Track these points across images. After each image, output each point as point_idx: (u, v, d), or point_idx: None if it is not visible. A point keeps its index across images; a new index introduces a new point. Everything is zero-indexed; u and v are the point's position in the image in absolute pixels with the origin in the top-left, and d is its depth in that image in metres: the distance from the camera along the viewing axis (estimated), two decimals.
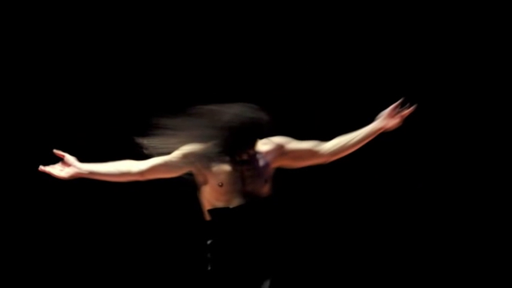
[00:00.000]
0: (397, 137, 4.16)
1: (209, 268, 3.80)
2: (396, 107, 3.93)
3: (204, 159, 3.74)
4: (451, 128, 5.94)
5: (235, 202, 3.75)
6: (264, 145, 3.82)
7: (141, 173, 3.79)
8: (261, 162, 3.79)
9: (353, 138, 3.91)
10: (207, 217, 3.82)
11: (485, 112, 5.95)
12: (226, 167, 3.75)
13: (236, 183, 3.74)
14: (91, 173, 3.79)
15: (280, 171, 3.90)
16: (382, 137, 3.99)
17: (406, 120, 3.92)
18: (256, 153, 3.78)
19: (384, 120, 3.92)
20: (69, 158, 3.80)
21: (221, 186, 3.74)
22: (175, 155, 3.77)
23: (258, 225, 3.78)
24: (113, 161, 3.82)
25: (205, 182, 3.79)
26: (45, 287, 5.95)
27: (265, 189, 3.81)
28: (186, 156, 3.77)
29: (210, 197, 3.79)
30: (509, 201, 5.91)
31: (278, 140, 3.87)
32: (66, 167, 3.79)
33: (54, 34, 5.94)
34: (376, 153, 5.61)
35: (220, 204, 3.76)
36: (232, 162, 3.74)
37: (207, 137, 3.74)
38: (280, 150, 3.84)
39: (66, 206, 5.95)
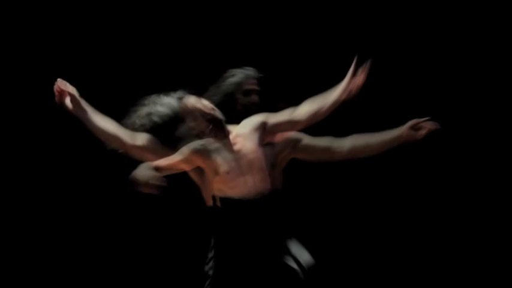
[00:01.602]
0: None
1: (209, 267, 3.78)
2: (420, 122, 3.86)
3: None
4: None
5: (247, 185, 3.73)
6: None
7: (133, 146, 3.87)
8: (250, 143, 3.78)
9: (371, 141, 3.87)
10: (217, 204, 3.80)
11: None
12: (223, 154, 3.75)
13: (236, 167, 3.74)
14: (85, 111, 3.88)
15: (293, 164, 3.91)
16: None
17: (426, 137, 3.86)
18: (240, 134, 3.79)
19: (405, 130, 3.85)
20: (73, 88, 3.88)
21: (228, 173, 3.74)
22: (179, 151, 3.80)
23: (269, 222, 3.75)
24: None
25: (215, 174, 3.78)
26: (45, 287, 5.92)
27: (276, 176, 3.83)
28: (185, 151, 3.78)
29: (222, 186, 3.77)
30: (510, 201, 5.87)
31: (291, 133, 3.90)
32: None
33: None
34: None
35: (232, 192, 3.74)
36: (223, 146, 3.76)
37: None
38: (290, 142, 3.88)
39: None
